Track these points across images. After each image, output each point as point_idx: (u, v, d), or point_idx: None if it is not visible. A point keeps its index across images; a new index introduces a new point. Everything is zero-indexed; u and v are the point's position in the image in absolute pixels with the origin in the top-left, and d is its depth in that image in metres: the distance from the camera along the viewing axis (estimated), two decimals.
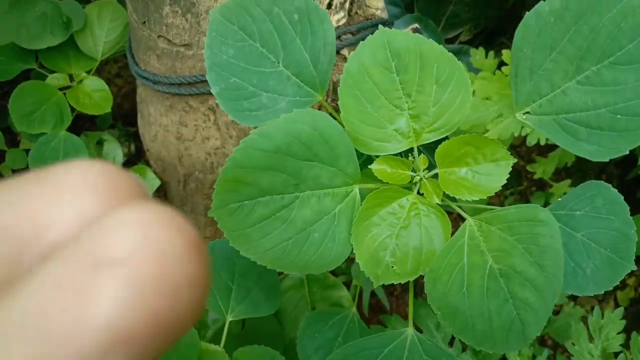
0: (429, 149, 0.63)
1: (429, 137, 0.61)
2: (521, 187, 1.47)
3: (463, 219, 0.60)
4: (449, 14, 1.24)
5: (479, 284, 0.57)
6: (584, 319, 1.25)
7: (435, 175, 0.61)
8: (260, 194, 0.54)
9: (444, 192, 0.60)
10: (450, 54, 0.60)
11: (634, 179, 1.40)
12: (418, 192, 0.61)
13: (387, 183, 0.60)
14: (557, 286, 0.60)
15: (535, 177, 1.26)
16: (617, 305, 1.36)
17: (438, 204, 0.59)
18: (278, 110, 0.62)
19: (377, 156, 0.61)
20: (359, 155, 0.61)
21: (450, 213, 0.62)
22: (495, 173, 0.59)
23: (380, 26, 0.60)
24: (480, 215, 0.59)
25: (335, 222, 0.57)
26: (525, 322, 0.58)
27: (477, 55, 1.13)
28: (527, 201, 1.45)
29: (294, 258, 0.55)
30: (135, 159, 1.48)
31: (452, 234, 0.59)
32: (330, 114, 0.67)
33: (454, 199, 0.62)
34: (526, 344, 0.60)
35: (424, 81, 0.60)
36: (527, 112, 0.62)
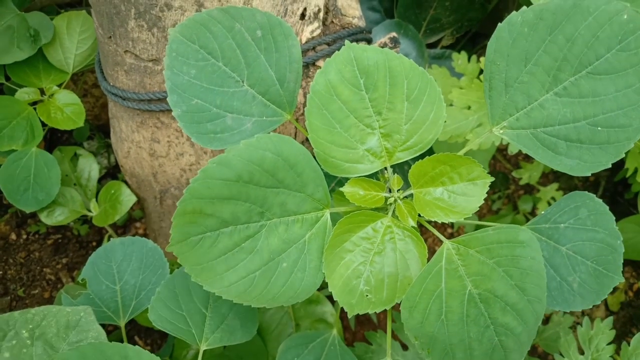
0: (403, 168, 0.60)
1: (402, 156, 0.58)
2: (508, 190, 1.44)
3: (439, 239, 0.57)
4: (430, 18, 1.21)
5: (458, 311, 0.54)
6: (575, 326, 1.23)
7: (410, 196, 0.59)
8: (223, 224, 0.51)
9: (419, 214, 0.57)
10: (421, 69, 0.57)
11: (621, 180, 1.38)
12: (393, 214, 0.58)
13: (360, 206, 0.57)
14: (539, 309, 0.57)
15: (522, 182, 1.24)
16: (607, 310, 1.34)
17: (413, 227, 0.57)
18: (244, 131, 0.59)
19: (349, 178, 0.58)
20: (331, 177, 0.58)
21: (426, 230, 0.59)
22: (472, 193, 0.56)
23: (347, 41, 0.57)
24: (458, 238, 0.56)
25: (305, 250, 0.55)
26: (507, 348, 0.55)
27: (460, 59, 1.10)
28: (515, 205, 1.43)
29: (261, 291, 0.52)
30: (115, 170, 1.45)
31: (429, 256, 0.56)
32: (302, 134, 0.64)
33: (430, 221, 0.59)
34: None
35: (395, 98, 0.57)
36: (504, 127, 0.59)
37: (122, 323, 0.75)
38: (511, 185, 1.46)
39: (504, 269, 0.55)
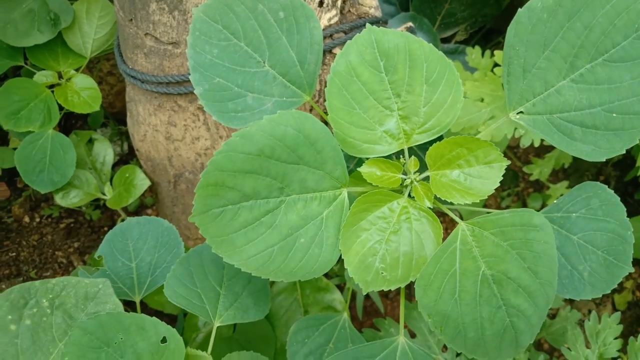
0: (420, 150, 0.61)
1: (419, 139, 0.59)
2: (518, 188, 1.45)
3: (455, 222, 0.58)
4: (445, 12, 1.22)
5: (472, 291, 0.55)
6: (581, 323, 1.23)
7: (427, 178, 0.60)
8: (244, 198, 0.53)
9: (435, 195, 0.58)
10: (440, 52, 0.58)
11: (631, 181, 1.38)
12: (409, 196, 0.59)
13: (377, 186, 0.58)
14: (550, 293, 0.58)
15: (532, 178, 1.24)
16: (614, 309, 1.34)
17: (429, 208, 0.57)
18: (264, 111, 0.60)
19: (367, 158, 0.59)
20: (349, 157, 0.59)
21: (442, 214, 0.60)
22: (488, 176, 0.57)
23: (367, 24, 0.58)
24: (473, 219, 0.57)
25: (322, 227, 0.56)
26: (518, 329, 0.56)
27: (473, 54, 1.10)
28: (524, 202, 1.43)
29: (279, 265, 0.53)
30: (128, 157, 1.46)
31: (444, 238, 0.57)
32: (321, 116, 0.65)
33: (445, 202, 0.60)
34: (519, 353, 0.58)
35: (414, 81, 0.58)
36: (521, 112, 0.60)
37: (137, 299, 0.76)
38: (520, 183, 1.46)
39: (517, 251, 0.56)
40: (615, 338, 0.93)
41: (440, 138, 0.59)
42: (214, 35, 0.61)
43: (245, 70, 0.61)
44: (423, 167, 0.61)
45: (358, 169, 0.58)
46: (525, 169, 1.28)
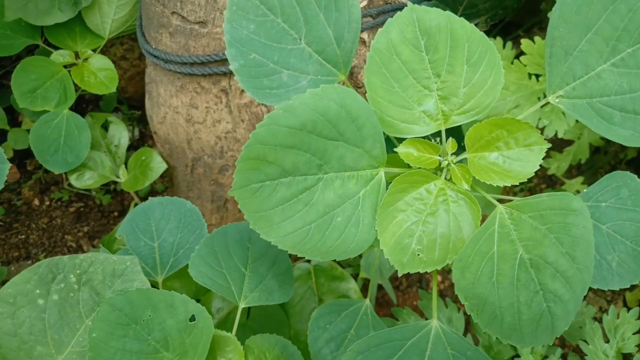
0: (458, 132, 0.60)
1: (458, 120, 0.58)
2: (530, 183, 1.44)
3: (490, 208, 0.57)
4: (467, 3, 1.21)
5: (509, 275, 0.54)
6: (595, 319, 1.22)
7: (464, 160, 0.59)
8: (283, 174, 0.52)
9: (473, 178, 0.57)
10: (482, 33, 0.57)
11: None
12: (445, 178, 0.58)
13: (414, 167, 0.57)
14: (587, 278, 0.57)
15: (549, 172, 1.23)
16: (625, 306, 1.34)
17: (467, 190, 0.57)
18: (299, 89, 0.59)
19: (403, 138, 0.58)
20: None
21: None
22: (527, 158, 0.56)
23: (409, 2, 0.57)
24: (511, 202, 0.56)
25: (359, 206, 0.55)
26: (554, 315, 0.55)
27: (495, 45, 1.09)
28: None
29: (316, 243, 0.53)
30: (139, 143, 1.45)
31: (482, 222, 0.56)
32: None
33: (483, 185, 0.59)
34: (553, 339, 0.58)
35: (455, 61, 0.57)
36: (561, 95, 0.59)
37: (159, 279, 0.75)
38: (534, 179, 1.45)
39: (555, 235, 0.55)
40: (634, 333, 0.93)
41: (479, 121, 0.58)
42: (252, 10, 0.60)
43: (282, 47, 0.60)
44: (459, 150, 0.60)
45: (395, 149, 0.58)
46: (543, 163, 1.27)
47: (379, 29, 0.57)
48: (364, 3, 0.84)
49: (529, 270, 0.55)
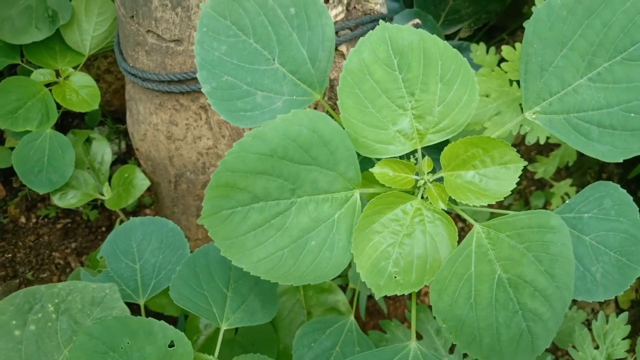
0: (433, 151, 0.60)
1: (433, 139, 0.57)
2: (520, 186, 1.44)
3: (467, 225, 0.57)
4: (449, 9, 1.20)
5: (487, 295, 0.54)
6: (586, 323, 1.22)
7: (440, 179, 0.58)
8: (254, 199, 0.51)
9: (449, 197, 0.57)
10: (455, 50, 0.57)
11: (635, 178, 1.38)
12: (422, 197, 0.58)
13: (389, 187, 0.57)
14: (567, 296, 0.57)
15: (537, 177, 1.23)
16: (618, 308, 1.34)
17: (443, 210, 0.56)
18: (274, 110, 0.59)
19: (376, 159, 0.57)
20: (357, 156, 0.58)
21: (455, 217, 0.59)
22: (504, 177, 0.56)
23: (381, 21, 0.56)
24: (489, 222, 0.55)
25: (334, 229, 0.54)
26: (534, 334, 0.55)
27: (478, 50, 1.09)
28: (527, 201, 1.42)
29: (289, 268, 0.52)
30: (125, 157, 1.44)
31: (458, 241, 0.56)
32: (329, 114, 0.64)
33: (459, 205, 0.59)
34: (534, 358, 0.57)
35: (428, 79, 0.56)
36: (537, 111, 0.59)
37: (141, 302, 0.74)
38: (523, 181, 1.45)
39: (534, 254, 0.55)
40: (624, 339, 0.93)
41: (454, 139, 0.57)
42: (222, 31, 0.59)
43: (255, 68, 0.59)
44: (435, 168, 0.60)
45: (370, 169, 0.57)
46: (530, 167, 1.27)
47: (352, 49, 0.57)
48: (342, 16, 0.83)
49: (508, 290, 0.54)
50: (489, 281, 0.54)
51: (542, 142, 1.02)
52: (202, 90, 0.58)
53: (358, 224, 0.54)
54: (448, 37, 1.27)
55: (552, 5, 0.55)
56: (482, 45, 1.09)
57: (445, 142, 0.58)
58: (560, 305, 0.55)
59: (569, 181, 1.32)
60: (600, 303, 1.38)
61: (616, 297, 1.37)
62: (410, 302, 1.00)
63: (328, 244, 0.54)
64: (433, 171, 0.59)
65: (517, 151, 1.51)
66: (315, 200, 0.54)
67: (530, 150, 1.46)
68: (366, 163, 0.60)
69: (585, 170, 1.47)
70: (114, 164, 1.42)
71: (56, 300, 0.59)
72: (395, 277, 0.54)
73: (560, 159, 1.20)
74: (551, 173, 1.23)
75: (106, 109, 1.43)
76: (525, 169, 1.42)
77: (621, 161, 0.57)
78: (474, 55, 1.08)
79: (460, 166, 0.57)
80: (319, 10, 0.59)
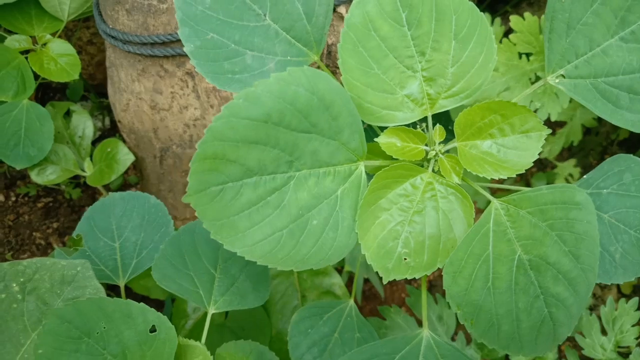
0: (446, 118, 0.54)
1: (446, 104, 0.51)
2: None
3: (485, 203, 0.51)
4: None
5: (507, 278, 0.48)
6: (592, 308, 1.18)
7: (453, 150, 0.52)
8: (247, 173, 0.44)
9: (464, 170, 0.51)
10: (471, 3, 0.50)
11: None
12: (433, 170, 0.52)
13: (397, 159, 0.50)
14: (592, 279, 0.51)
15: (541, 156, 1.17)
16: (620, 293, 1.30)
17: (458, 184, 0.50)
18: (265, 72, 0.52)
19: (385, 127, 0.51)
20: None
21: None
22: (525, 146, 0.50)
23: None
24: (508, 196, 0.49)
25: (337, 206, 0.48)
26: (557, 321, 0.49)
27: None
28: (527, 182, 1.37)
29: (289, 251, 0.46)
30: (110, 133, 1.37)
31: (475, 219, 0.50)
32: None
33: (471, 175, 0.53)
34: (555, 347, 0.52)
35: (441, 36, 0.50)
36: (561, 75, 0.53)
37: (121, 283, 0.68)
38: None
39: (557, 233, 0.49)
40: (633, 325, 0.88)
41: (469, 104, 0.51)
42: None
43: (243, 25, 0.53)
44: (448, 138, 0.54)
45: (375, 139, 0.51)
46: None
47: (354, 1, 0.50)
48: None
49: (529, 273, 0.49)
50: (509, 263, 0.48)
51: (553, 119, 0.96)
52: (185, 49, 0.51)
53: (363, 200, 0.48)
54: None
55: None
56: (487, 16, 1.02)
57: (460, 109, 0.51)
58: (585, 289, 0.50)
59: (572, 161, 1.27)
60: (602, 288, 1.33)
61: (618, 284, 1.33)
62: (410, 289, 0.95)
63: (331, 224, 0.48)
64: (445, 141, 0.53)
65: None
66: (316, 174, 0.47)
67: None
68: (370, 132, 0.54)
69: (587, 152, 1.42)
70: (97, 140, 1.35)
71: (21, 279, 0.53)
72: (405, 259, 0.48)
73: (565, 138, 1.15)
74: (556, 153, 1.18)
75: (89, 83, 1.35)
76: None
77: None
78: None
79: (476, 135, 0.50)
80: None
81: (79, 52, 1.32)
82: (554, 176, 1.33)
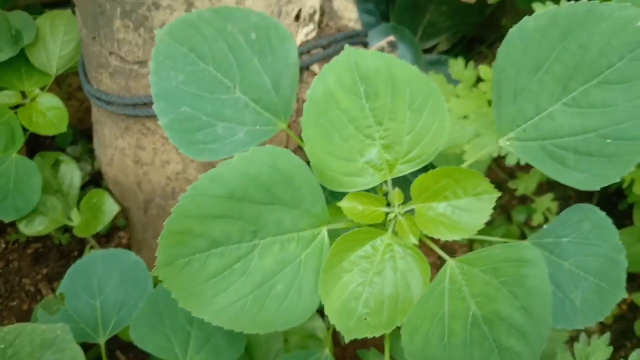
0: (404, 182, 0.57)
1: (403, 169, 0.55)
2: (502, 201, 1.42)
3: (441, 259, 0.54)
4: (426, 22, 1.18)
5: (462, 334, 0.51)
6: (570, 341, 1.20)
7: (412, 211, 0.55)
8: (214, 244, 0.48)
9: (421, 231, 0.54)
10: (424, 75, 0.54)
11: (615, 191, 1.36)
12: (393, 231, 0.55)
13: (359, 222, 0.54)
14: (545, 332, 0.54)
15: (517, 193, 1.21)
16: (601, 323, 1.32)
17: (415, 244, 0.53)
18: (236, 141, 0.56)
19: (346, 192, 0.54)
20: (323, 189, 0.55)
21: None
22: (477, 209, 0.53)
23: (346, 46, 0.54)
24: (463, 256, 0.53)
25: (301, 270, 0.51)
26: None
27: (456, 65, 1.07)
28: (509, 216, 1.40)
29: (254, 315, 0.49)
30: (98, 177, 1.40)
31: (431, 277, 0.53)
32: (297, 145, 0.61)
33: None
34: None
35: (396, 107, 0.54)
36: (512, 138, 0.56)
37: (101, 341, 0.71)
38: (505, 195, 1.43)
39: (509, 289, 0.52)
40: None
41: (425, 168, 0.54)
42: (180, 58, 0.56)
43: (215, 97, 0.56)
44: (407, 199, 0.57)
45: (337, 203, 0.54)
46: (510, 184, 1.25)
47: (316, 77, 0.54)
48: (313, 34, 0.81)
49: (483, 328, 0.51)
50: (464, 319, 0.51)
51: (522, 163, 1.00)
52: (159, 122, 0.55)
53: (325, 263, 0.51)
54: (426, 51, 1.25)
55: (524, 28, 0.53)
56: (460, 60, 1.07)
57: (416, 173, 0.55)
58: (537, 341, 0.53)
59: (550, 195, 1.30)
60: None
61: None
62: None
63: (295, 287, 0.51)
64: (404, 203, 0.56)
65: (499, 165, 1.48)
66: (280, 240, 0.51)
67: (513, 165, 1.45)
68: (335, 196, 0.57)
69: (566, 185, 1.46)
70: (87, 183, 1.38)
71: (2, 345, 0.55)
72: (366, 318, 0.51)
73: (540, 175, 1.18)
74: (532, 189, 1.21)
75: (78, 128, 1.38)
76: (505, 184, 1.40)
77: (598, 189, 0.55)
78: (452, 70, 1.06)
79: (432, 198, 0.54)
80: (281, 34, 0.56)
81: (68, 99, 1.36)
82: (532, 211, 1.36)
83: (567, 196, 1.41)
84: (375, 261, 0.52)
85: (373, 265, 0.52)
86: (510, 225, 1.38)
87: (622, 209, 1.37)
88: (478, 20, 1.25)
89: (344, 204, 0.53)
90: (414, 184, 0.53)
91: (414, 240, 0.53)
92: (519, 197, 1.42)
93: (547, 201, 1.30)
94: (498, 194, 0.53)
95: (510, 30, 0.53)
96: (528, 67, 0.54)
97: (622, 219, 1.36)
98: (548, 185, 1.43)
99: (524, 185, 1.17)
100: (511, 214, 1.40)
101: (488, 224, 1.44)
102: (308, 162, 0.53)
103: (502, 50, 0.54)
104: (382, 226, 0.56)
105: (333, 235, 0.53)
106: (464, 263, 0.52)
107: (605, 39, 0.53)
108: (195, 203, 0.45)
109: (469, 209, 0.53)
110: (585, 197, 1.43)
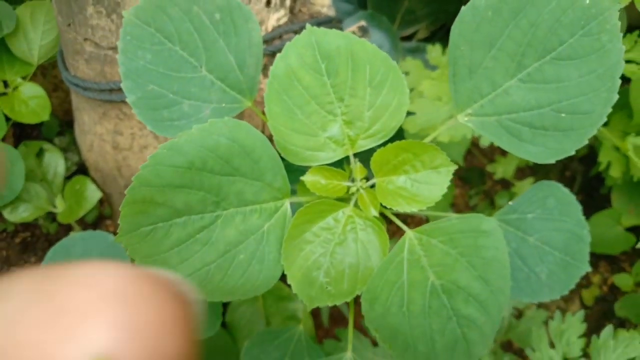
0: (366, 156, 0.59)
1: (364, 144, 0.56)
2: (485, 186, 1.44)
3: (403, 231, 0.56)
4: (405, 10, 1.20)
5: (420, 303, 0.53)
6: (548, 321, 1.22)
7: (374, 185, 0.57)
8: (176, 214, 0.49)
9: (381, 204, 0.55)
10: (384, 53, 0.56)
11: (597, 175, 1.38)
12: (355, 204, 0.57)
13: (322, 196, 0.55)
14: (503, 300, 0.56)
15: (496, 177, 1.23)
16: (582, 305, 1.34)
17: (376, 217, 0.55)
18: (201, 118, 0.57)
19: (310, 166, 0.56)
20: (293, 166, 0.56)
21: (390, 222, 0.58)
22: (435, 181, 0.55)
23: (307, 25, 0.55)
24: (421, 227, 0.54)
25: (263, 241, 0.53)
26: (470, 340, 0.54)
27: (434, 52, 1.09)
28: (492, 201, 1.42)
29: (217, 283, 0.50)
30: (85, 167, 1.41)
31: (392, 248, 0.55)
32: (264, 122, 0.62)
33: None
34: None
35: (357, 84, 0.55)
36: (469, 114, 0.58)
37: None
38: (488, 181, 1.45)
39: (467, 259, 0.54)
40: (580, 337, 0.92)
41: (385, 143, 0.56)
42: (147, 39, 0.57)
43: (181, 76, 0.58)
44: (371, 173, 0.59)
45: (301, 177, 0.56)
46: (488, 168, 1.27)
47: (278, 54, 0.55)
48: (285, 19, 0.82)
49: (441, 297, 0.53)
50: (422, 288, 0.53)
51: (496, 144, 1.01)
52: (127, 100, 0.56)
53: (288, 234, 0.53)
54: (406, 39, 1.27)
55: (476, 6, 0.55)
56: (438, 47, 1.09)
57: (377, 148, 0.57)
58: (496, 310, 0.54)
59: (530, 180, 1.32)
60: (565, 300, 1.38)
61: (580, 294, 1.38)
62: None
63: (258, 257, 0.52)
64: (367, 177, 0.58)
65: (482, 151, 1.50)
66: (243, 212, 0.52)
67: (494, 150, 1.46)
68: (301, 171, 0.59)
69: (548, 169, 1.48)
70: (74, 173, 1.39)
71: None
72: (327, 287, 0.53)
73: (519, 159, 1.20)
74: (511, 173, 1.23)
75: (64, 119, 1.40)
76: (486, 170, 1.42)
77: (554, 162, 0.57)
78: (429, 56, 1.07)
79: (392, 171, 0.56)
80: (244, 15, 0.57)
81: (54, 90, 1.37)
82: (514, 195, 1.38)
83: (549, 180, 1.43)
84: (337, 232, 0.54)
85: (335, 237, 0.54)
86: (493, 210, 1.40)
87: (604, 193, 1.39)
88: (456, 8, 1.26)
89: (307, 177, 0.55)
90: (373, 158, 0.55)
91: (374, 213, 0.55)
92: (502, 183, 1.44)
93: (527, 185, 1.32)
94: (455, 166, 0.54)
95: (463, 8, 0.55)
96: (482, 44, 0.56)
97: (603, 203, 1.38)
98: (530, 170, 1.45)
99: (502, 169, 1.19)
100: (494, 199, 1.42)
101: (472, 208, 1.46)
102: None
103: (455, 27, 0.56)
104: (346, 200, 0.58)
105: (298, 209, 0.55)
106: (423, 234, 0.54)
107: (555, 16, 0.54)
108: (155, 173, 0.47)
109: (427, 182, 0.55)
110: (568, 181, 1.45)
